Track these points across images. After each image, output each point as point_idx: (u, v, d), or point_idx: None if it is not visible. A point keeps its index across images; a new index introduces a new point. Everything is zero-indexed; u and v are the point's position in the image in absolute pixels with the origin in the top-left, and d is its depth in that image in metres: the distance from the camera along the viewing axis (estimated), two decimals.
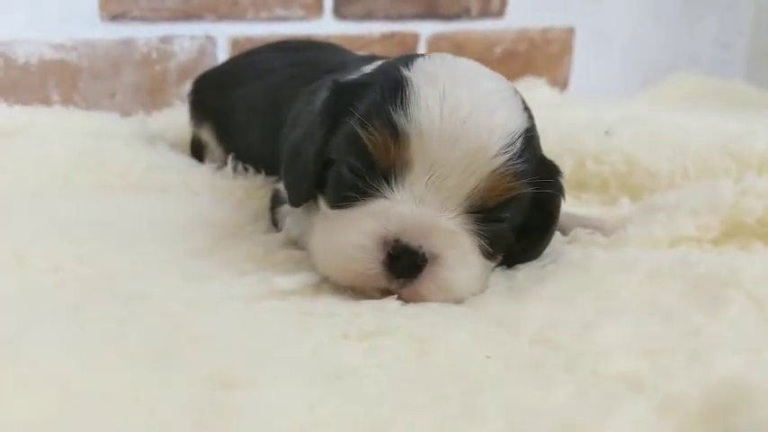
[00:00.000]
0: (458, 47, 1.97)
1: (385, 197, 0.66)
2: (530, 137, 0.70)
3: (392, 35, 1.88)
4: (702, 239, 0.87)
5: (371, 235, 0.64)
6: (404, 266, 0.64)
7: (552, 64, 2.12)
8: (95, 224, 0.87)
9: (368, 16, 1.82)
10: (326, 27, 1.78)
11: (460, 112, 0.65)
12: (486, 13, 1.97)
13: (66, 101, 1.55)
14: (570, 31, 2.11)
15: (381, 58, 1.04)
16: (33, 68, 1.51)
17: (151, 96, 1.63)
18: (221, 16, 1.66)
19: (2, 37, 1.46)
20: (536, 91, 1.93)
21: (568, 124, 1.22)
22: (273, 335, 0.61)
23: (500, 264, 0.78)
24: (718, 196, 0.88)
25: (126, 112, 1.60)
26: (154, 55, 1.62)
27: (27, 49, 1.49)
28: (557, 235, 0.91)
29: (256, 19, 1.69)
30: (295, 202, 0.77)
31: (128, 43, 1.58)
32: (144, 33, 1.59)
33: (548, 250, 0.83)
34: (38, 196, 0.96)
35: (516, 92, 0.74)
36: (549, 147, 1.12)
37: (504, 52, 2.03)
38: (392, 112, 0.64)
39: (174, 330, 0.59)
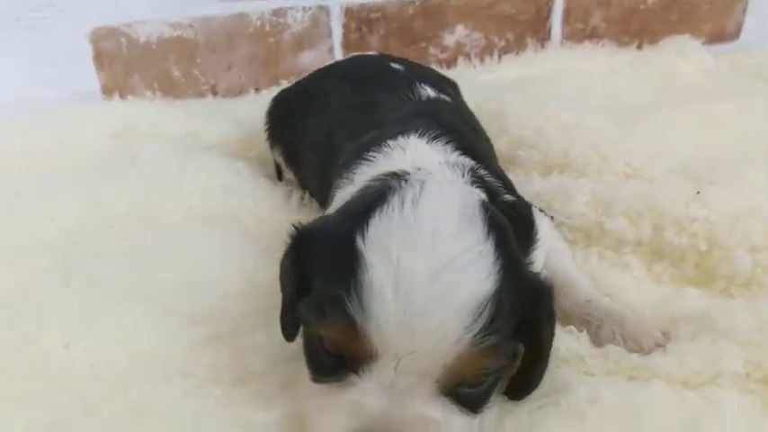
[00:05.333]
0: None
1: (354, 385, 0.64)
2: (501, 297, 0.62)
3: None
4: (751, 376, 0.72)
5: (344, 430, 0.64)
6: None
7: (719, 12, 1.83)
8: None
9: None
10: None
11: (417, 296, 0.60)
12: None
13: (186, 74, 1.61)
14: None
15: (430, 114, 0.95)
16: (154, 46, 1.56)
17: (266, 67, 1.64)
18: None
19: (124, 20, 1.52)
20: (688, 57, 1.69)
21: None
22: None
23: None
24: None
25: (242, 85, 1.63)
26: (267, 28, 1.61)
27: (147, 29, 1.54)
28: (586, 345, 0.82)
29: None
30: (285, 338, 0.77)
31: (241, 17, 1.58)
32: (257, 8, 1.58)
33: (563, 379, 0.76)
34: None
35: (487, 234, 0.64)
36: (628, 204, 0.97)
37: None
38: (346, 302, 0.61)
39: None
